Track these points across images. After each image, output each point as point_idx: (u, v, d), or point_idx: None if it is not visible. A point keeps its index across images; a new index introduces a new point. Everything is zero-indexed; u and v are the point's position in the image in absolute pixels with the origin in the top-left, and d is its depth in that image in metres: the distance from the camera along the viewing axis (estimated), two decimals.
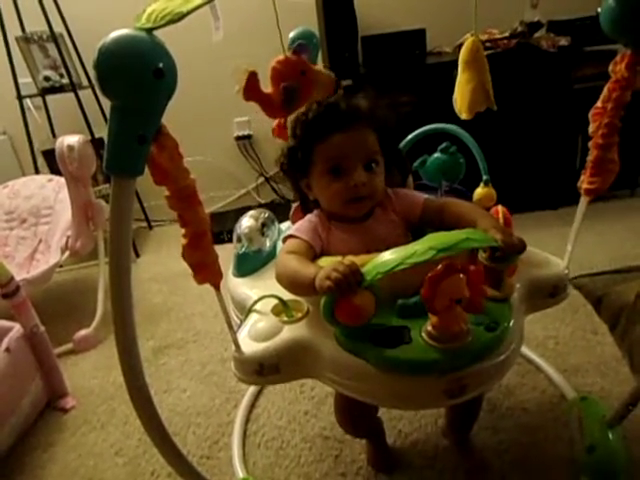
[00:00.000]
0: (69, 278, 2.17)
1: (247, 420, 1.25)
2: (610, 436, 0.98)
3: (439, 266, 0.60)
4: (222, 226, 2.24)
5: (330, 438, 1.16)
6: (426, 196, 0.89)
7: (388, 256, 0.63)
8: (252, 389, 1.33)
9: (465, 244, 0.63)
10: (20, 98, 2.21)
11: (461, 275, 0.61)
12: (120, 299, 0.60)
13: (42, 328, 1.32)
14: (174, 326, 1.72)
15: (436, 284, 0.60)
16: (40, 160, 2.31)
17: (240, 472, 1.08)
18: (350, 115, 0.81)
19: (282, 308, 0.79)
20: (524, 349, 1.33)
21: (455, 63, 0.98)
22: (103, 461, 1.19)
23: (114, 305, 0.61)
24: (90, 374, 1.52)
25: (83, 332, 1.66)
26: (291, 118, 0.87)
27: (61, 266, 1.87)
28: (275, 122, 0.87)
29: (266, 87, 0.82)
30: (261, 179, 2.72)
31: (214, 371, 1.46)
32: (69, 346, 1.64)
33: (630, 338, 0.64)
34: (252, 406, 1.29)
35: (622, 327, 0.64)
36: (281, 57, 0.73)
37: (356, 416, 0.95)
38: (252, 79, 0.70)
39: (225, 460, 1.14)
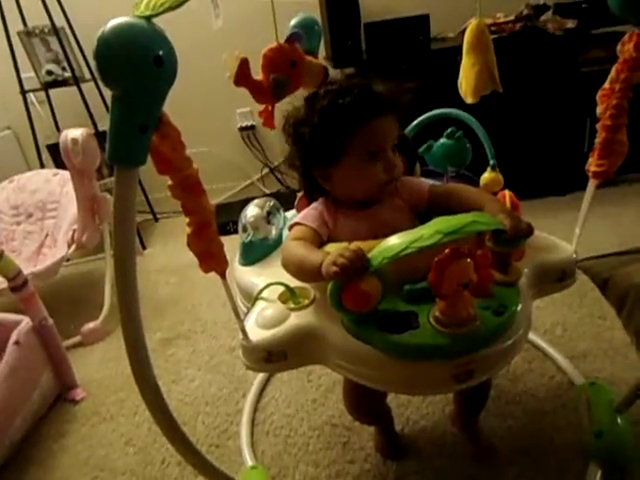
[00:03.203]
0: (76, 272, 2.18)
1: (255, 409, 1.26)
2: (618, 421, 0.98)
3: (446, 250, 0.59)
4: (227, 217, 2.24)
5: (338, 426, 1.16)
6: (431, 182, 0.88)
7: (394, 241, 0.63)
8: (260, 378, 1.34)
9: (472, 227, 0.62)
10: (23, 93, 2.21)
11: (468, 259, 0.60)
12: (126, 286, 0.60)
13: (51, 321, 1.34)
14: (182, 317, 1.73)
15: (443, 268, 0.59)
16: (45, 154, 2.32)
17: (249, 460, 1.09)
18: (385, 99, 0.81)
19: (289, 295, 0.78)
20: (532, 335, 1.32)
21: (459, 49, 0.96)
22: (114, 451, 1.21)
23: (120, 295, 0.61)
24: (99, 366, 1.54)
25: (91, 325, 1.68)
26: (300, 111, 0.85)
27: (68, 260, 1.88)
28: (262, 107, 0.87)
29: (258, 74, 0.82)
30: (266, 170, 2.71)
31: (222, 361, 1.47)
32: (77, 339, 1.65)
33: (637, 320, 0.63)
34: (260, 395, 1.30)
35: (628, 309, 0.64)
36: (274, 45, 0.72)
37: (365, 402, 0.95)
38: (243, 66, 0.70)
39: (234, 448, 1.15)
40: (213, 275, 0.70)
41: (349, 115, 0.78)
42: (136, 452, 1.19)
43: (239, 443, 1.15)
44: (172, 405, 0.72)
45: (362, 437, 1.12)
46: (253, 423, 1.22)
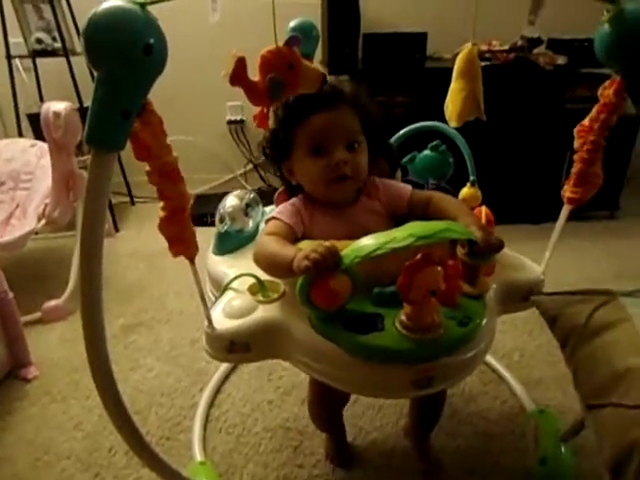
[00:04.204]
0: (44, 247, 2.13)
1: (211, 405, 1.25)
2: (562, 450, 1.01)
3: (417, 256, 0.60)
4: (206, 208, 2.21)
5: (291, 429, 1.17)
6: (412, 188, 0.89)
7: (367, 241, 0.64)
8: (219, 374, 1.33)
9: (444, 234, 0.64)
10: (9, 58, 2.15)
11: (439, 267, 0.62)
12: (89, 274, 0.59)
13: (11, 295, 1.30)
14: (147, 304, 1.71)
15: (413, 273, 0.60)
16: (25, 123, 2.26)
17: (198, 455, 1.09)
18: (331, 95, 0.82)
19: (259, 288, 0.78)
20: (490, 358, 1.35)
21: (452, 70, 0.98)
22: (61, 433, 1.18)
23: (82, 279, 0.60)
24: (56, 345, 1.50)
25: (53, 302, 1.64)
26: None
27: (37, 233, 1.83)
28: (258, 110, 0.87)
29: (254, 75, 0.82)
30: (250, 166, 2.70)
31: (183, 353, 1.46)
32: (37, 315, 1.62)
33: (576, 358, 0.66)
34: (217, 391, 1.30)
35: (571, 347, 0.67)
36: (272, 47, 0.73)
37: (328, 410, 0.96)
38: (240, 65, 0.70)
39: (185, 442, 1.14)
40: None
41: (293, 110, 0.82)
42: (84, 437, 1.17)
43: (190, 437, 1.14)
44: (127, 393, 0.71)
45: (314, 442, 1.13)
46: (207, 419, 1.21)
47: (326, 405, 0.99)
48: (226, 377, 1.34)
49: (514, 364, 1.38)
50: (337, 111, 0.81)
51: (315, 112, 0.80)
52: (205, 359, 1.41)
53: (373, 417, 1.19)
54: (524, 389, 1.26)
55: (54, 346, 1.50)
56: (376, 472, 1.06)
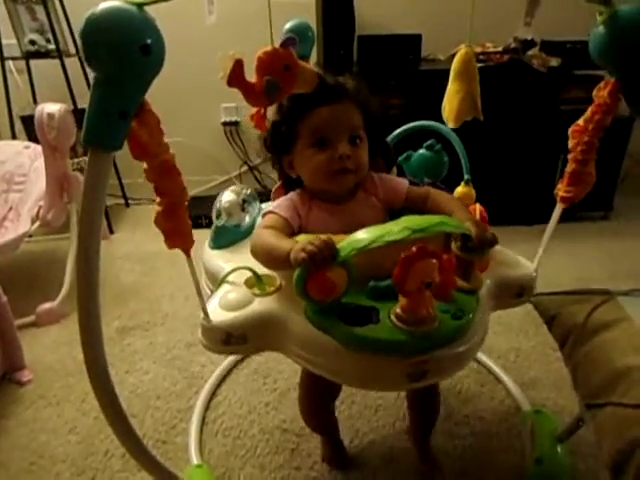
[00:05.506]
0: (38, 249, 2.12)
1: (207, 407, 1.25)
2: (558, 450, 1.01)
3: (413, 248, 0.61)
4: (201, 210, 2.21)
5: (288, 431, 1.16)
6: (409, 184, 0.90)
7: (363, 234, 0.64)
8: (214, 377, 1.33)
9: (439, 227, 0.65)
10: (2, 59, 2.14)
11: (434, 260, 0.62)
12: (86, 275, 0.59)
13: (4, 298, 1.29)
14: (143, 307, 1.70)
15: (409, 265, 0.61)
16: (18, 125, 2.24)
17: (195, 458, 1.08)
18: (336, 90, 0.83)
19: (255, 281, 0.78)
20: (486, 359, 1.36)
21: (447, 72, 0.98)
22: (56, 437, 1.17)
23: (79, 281, 0.60)
24: (50, 349, 1.49)
25: (47, 305, 1.63)
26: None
27: (30, 236, 1.82)
28: (253, 110, 0.88)
29: (251, 77, 0.83)
30: (245, 167, 2.70)
31: (179, 355, 1.45)
32: (31, 318, 1.60)
33: (575, 357, 0.66)
34: (213, 394, 1.29)
35: (569, 346, 0.67)
36: (269, 48, 0.73)
37: (318, 409, 0.96)
38: (237, 66, 0.70)
39: (181, 445, 1.14)
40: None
41: (297, 103, 0.82)
42: (79, 441, 1.16)
43: (187, 440, 1.14)
44: (123, 396, 0.71)
45: (311, 444, 1.12)
46: (203, 421, 1.20)
47: (316, 397, 0.99)
48: (222, 380, 1.33)
49: (510, 364, 1.38)
50: (341, 105, 0.82)
51: (320, 105, 0.81)
52: (201, 362, 1.40)
53: (370, 418, 1.19)
54: (520, 389, 1.26)
55: (48, 349, 1.49)
56: (373, 473, 1.06)
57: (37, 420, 1.22)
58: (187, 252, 0.70)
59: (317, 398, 1.00)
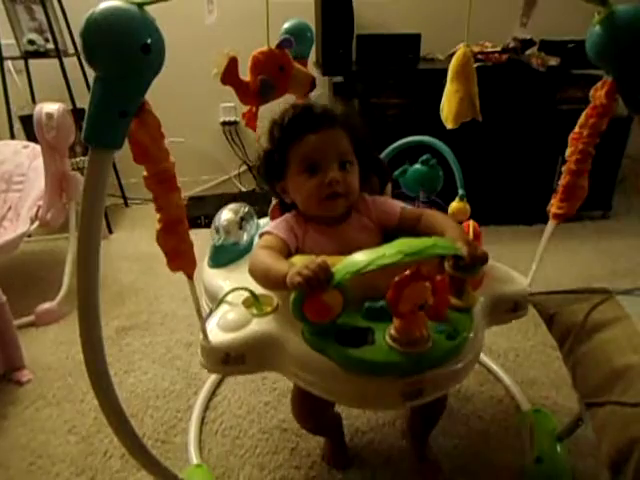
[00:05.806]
0: (37, 249, 2.12)
1: (206, 407, 1.24)
2: (558, 449, 1.02)
3: (406, 271, 0.62)
4: (200, 210, 2.22)
5: (288, 431, 1.16)
6: (402, 205, 0.92)
7: (358, 257, 0.66)
8: (214, 376, 1.32)
9: (432, 250, 0.66)
10: (1, 59, 2.13)
11: (427, 282, 0.63)
12: (86, 274, 0.59)
13: (4, 298, 1.29)
14: (141, 307, 1.70)
15: (402, 288, 0.62)
16: (17, 125, 2.24)
17: (194, 458, 1.08)
18: (324, 117, 0.85)
19: (253, 301, 0.80)
20: (486, 359, 1.36)
21: (446, 71, 0.99)
22: (55, 437, 1.17)
23: (79, 280, 0.60)
24: (50, 349, 1.49)
25: (46, 305, 1.62)
26: (265, 126, 0.90)
27: (29, 236, 1.82)
28: (246, 109, 0.88)
29: (246, 75, 0.83)
30: (244, 167, 2.69)
31: (178, 355, 1.45)
32: (30, 318, 1.60)
33: (575, 356, 0.66)
34: (213, 394, 1.29)
35: (569, 345, 0.67)
36: (264, 48, 0.73)
37: (311, 411, 0.96)
38: (231, 64, 0.70)
39: (181, 445, 1.14)
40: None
41: (286, 131, 0.85)
42: (78, 441, 1.16)
43: (186, 440, 1.14)
44: (122, 396, 0.71)
45: (310, 444, 1.12)
46: (203, 421, 1.20)
47: (308, 406, 0.97)
48: (221, 380, 1.33)
49: (510, 364, 1.38)
50: (330, 132, 0.84)
51: (309, 133, 0.83)
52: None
53: (369, 417, 1.19)
54: (519, 389, 1.26)
55: (48, 349, 1.49)
56: (373, 473, 1.06)
57: (36, 420, 1.22)
58: (190, 276, 0.71)
59: (312, 408, 0.98)
